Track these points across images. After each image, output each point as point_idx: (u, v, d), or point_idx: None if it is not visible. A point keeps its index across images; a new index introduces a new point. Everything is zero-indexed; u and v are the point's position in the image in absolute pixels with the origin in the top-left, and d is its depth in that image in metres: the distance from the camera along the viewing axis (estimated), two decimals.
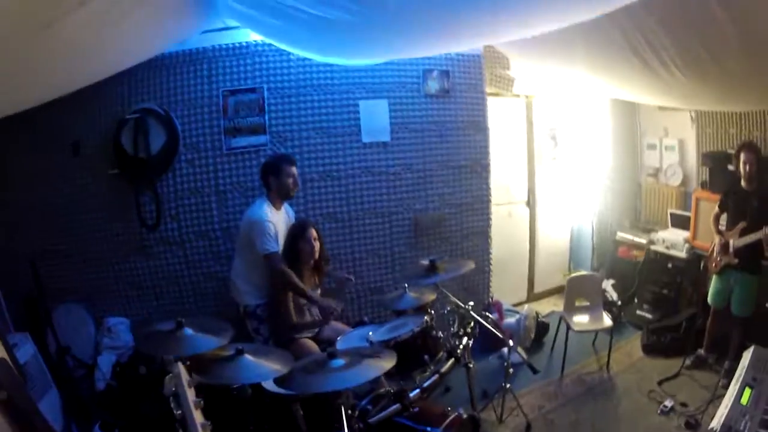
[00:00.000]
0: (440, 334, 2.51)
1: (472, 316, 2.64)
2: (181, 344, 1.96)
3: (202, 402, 1.34)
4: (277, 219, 2.88)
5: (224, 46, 3.35)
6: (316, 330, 2.91)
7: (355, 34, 2.40)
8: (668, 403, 2.90)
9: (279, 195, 2.90)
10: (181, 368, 1.31)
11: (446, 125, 3.60)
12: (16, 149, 3.42)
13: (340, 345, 2.58)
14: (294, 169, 2.88)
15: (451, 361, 2.42)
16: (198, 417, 1.27)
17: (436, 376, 2.32)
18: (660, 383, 3.14)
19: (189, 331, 2.00)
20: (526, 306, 3.92)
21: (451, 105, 3.62)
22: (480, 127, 3.71)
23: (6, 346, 2.41)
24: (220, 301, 3.43)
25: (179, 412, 1.25)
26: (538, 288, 4.59)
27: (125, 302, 3.51)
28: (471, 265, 2.82)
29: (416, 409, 2.10)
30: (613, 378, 3.33)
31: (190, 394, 1.29)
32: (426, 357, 2.37)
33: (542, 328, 3.92)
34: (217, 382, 1.98)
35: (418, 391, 2.16)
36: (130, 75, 3.31)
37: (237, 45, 3.35)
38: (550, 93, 4.34)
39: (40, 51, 1.82)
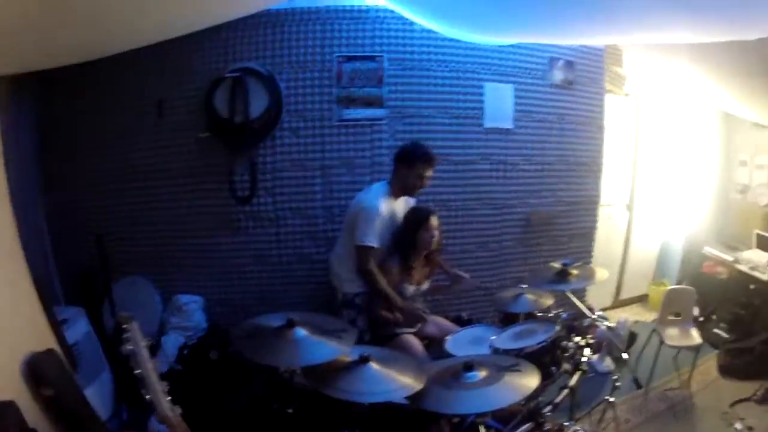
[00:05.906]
0: (570, 344, 2.27)
1: (600, 327, 2.49)
2: (294, 350, 1.64)
3: (156, 361, 1.33)
4: (392, 210, 2.62)
5: (341, 8, 3.04)
6: (419, 326, 2.65)
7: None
8: (738, 426, 2.78)
9: (401, 188, 2.62)
10: (135, 327, 1.30)
11: (567, 118, 3.34)
12: (87, 110, 3.07)
13: (450, 347, 2.34)
14: (429, 172, 2.57)
15: (578, 374, 2.18)
16: (155, 376, 1.27)
17: (566, 391, 2.11)
18: (732, 405, 3.02)
19: (301, 332, 1.67)
20: (622, 315, 3.74)
21: (573, 98, 3.37)
22: (598, 125, 3.48)
23: (55, 329, 2.12)
24: (311, 285, 3.14)
25: (138, 371, 1.26)
26: (624, 294, 4.44)
27: (201, 280, 3.18)
28: (605, 274, 2.62)
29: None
30: (693, 397, 3.22)
31: (146, 353, 1.29)
32: (554, 369, 2.16)
33: (632, 338, 3.76)
34: (336, 396, 1.58)
35: (550, 408, 1.95)
36: (227, 31, 2.99)
37: (355, 8, 3.04)
38: (659, 95, 4.11)
39: None
